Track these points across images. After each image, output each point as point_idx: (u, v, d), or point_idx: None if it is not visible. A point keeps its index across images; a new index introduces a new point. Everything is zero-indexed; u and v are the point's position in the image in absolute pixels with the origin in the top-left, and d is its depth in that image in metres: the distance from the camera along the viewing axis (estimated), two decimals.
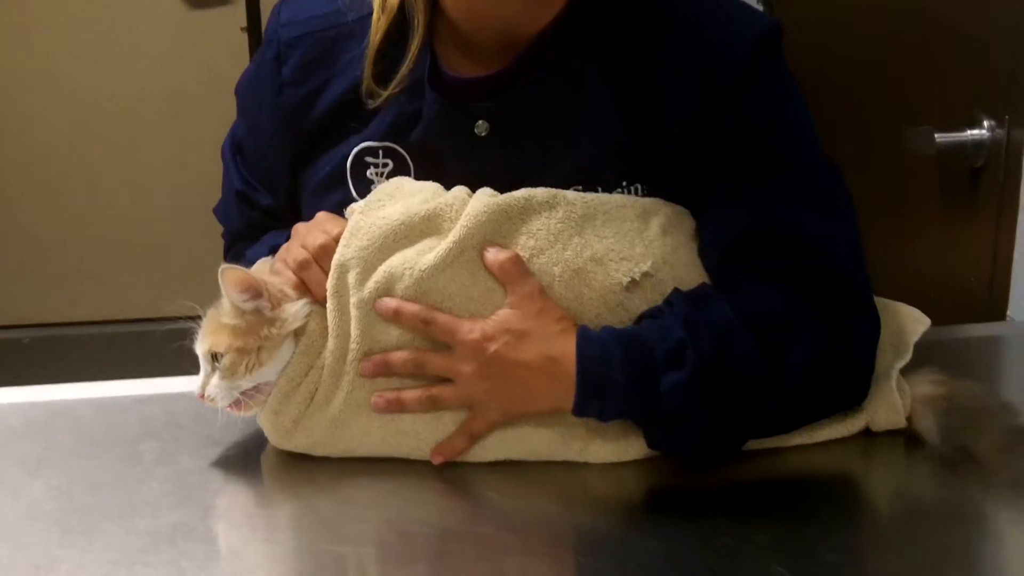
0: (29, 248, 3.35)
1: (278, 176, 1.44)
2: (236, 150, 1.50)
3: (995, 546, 1.13)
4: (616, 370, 1.17)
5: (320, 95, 1.38)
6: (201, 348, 1.25)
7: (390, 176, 1.35)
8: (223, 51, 3.27)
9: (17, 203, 3.32)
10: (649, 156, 1.29)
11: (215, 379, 1.23)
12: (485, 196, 1.25)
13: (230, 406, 1.24)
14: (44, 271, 3.36)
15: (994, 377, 1.55)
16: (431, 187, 1.30)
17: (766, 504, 1.19)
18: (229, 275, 1.22)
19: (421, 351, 1.22)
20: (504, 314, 1.21)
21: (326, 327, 1.25)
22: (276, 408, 1.25)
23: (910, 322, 1.34)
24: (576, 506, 1.21)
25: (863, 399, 1.27)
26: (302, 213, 1.42)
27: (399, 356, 1.22)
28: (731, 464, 1.24)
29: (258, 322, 1.23)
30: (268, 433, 1.28)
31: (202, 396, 1.24)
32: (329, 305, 1.24)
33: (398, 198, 1.28)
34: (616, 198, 1.28)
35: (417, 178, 1.34)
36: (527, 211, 1.24)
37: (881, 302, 1.32)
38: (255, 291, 1.22)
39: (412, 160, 1.35)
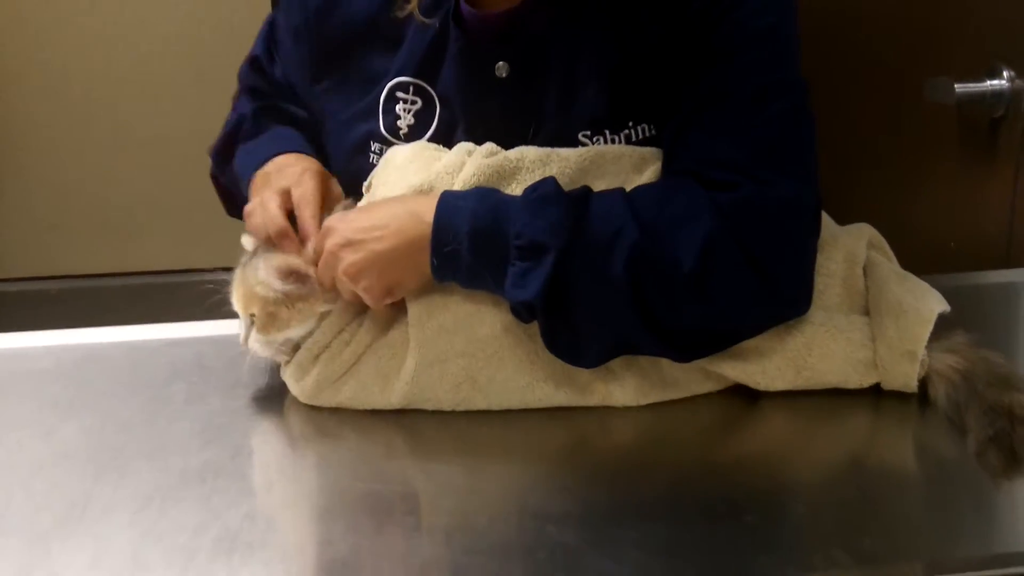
0: (55, 201, 3.37)
1: (296, 69, 1.47)
2: (269, 34, 1.53)
3: (1011, 489, 1.12)
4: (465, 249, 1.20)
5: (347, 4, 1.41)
6: (237, 305, 1.29)
7: (417, 114, 1.37)
8: (245, 2, 3.28)
9: (43, 156, 3.34)
10: (646, 87, 1.30)
11: (254, 333, 1.27)
12: (478, 158, 1.27)
13: (274, 355, 1.29)
14: (71, 223, 3.39)
15: (1013, 322, 1.57)
16: (423, 154, 1.32)
17: (783, 448, 1.22)
18: (278, 262, 1.25)
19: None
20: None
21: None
22: (302, 366, 1.28)
23: (935, 301, 1.30)
24: (596, 446, 1.23)
25: (796, 265, 1.25)
26: (330, 139, 1.45)
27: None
28: (746, 410, 1.26)
29: (292, 294, 1.26)
30: (294, 392, 1.30)
31: (244, 345, 1.29)
32: None
33: (391, 170, 1.32)
34: (614, 149, 1.30)
35: (441, 120, 1.36)
36: (519, 170, 1.26)
37: (906, 276, 1.33)
38: (301, 277, 1.26)
39: (439, 101, 1.36)
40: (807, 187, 1.25)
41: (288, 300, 1.26)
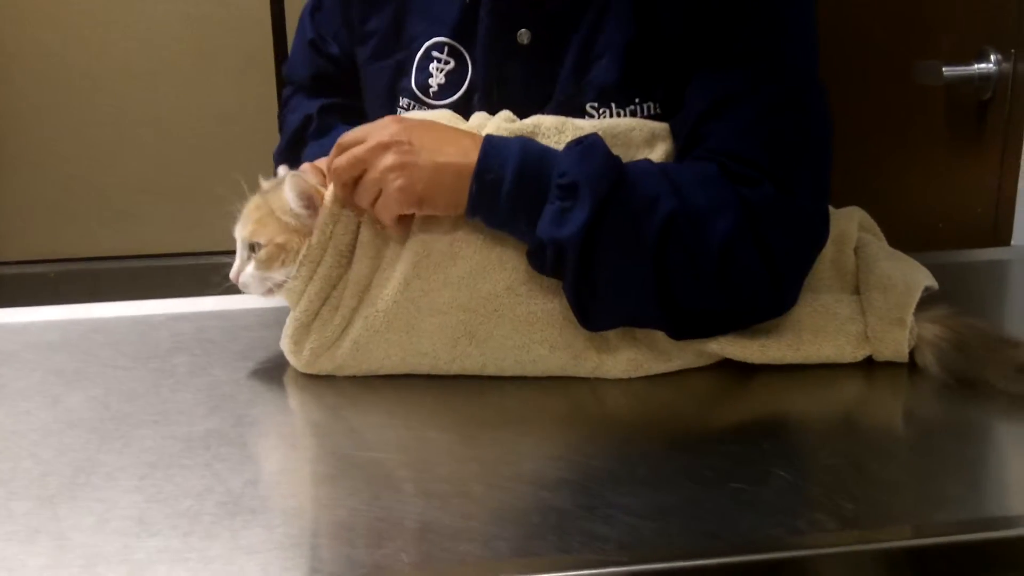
0: (53, 184, 3.38)
1: (348, 31, 1.49)
2: (315, 8, 1.55)
3: (996, 457, 1.17)
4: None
5: None
6: (240, 234, 1.31)
7: (449, 75, 1.39)
8: None
9: (41, 140, 3.35)
10: (658, 67, 1.32)
11: (250, 267, 1.29)
12: (498, 121, 1.30)
13: (262, 294, 1.31)
14: (68, 206, 3.39)
15: (998, 297, 1.60)
16: (445, 115, 1.35)
17: (772, 417, 1.24)
18: (296, 182, 1.27)
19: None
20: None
21: (341, 260, 1.29)
22: (296, 339, 1.30)
23: (922, 276, 1.34)
24: (590, 415, 1.26)
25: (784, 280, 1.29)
26: (366, 92, 1.48)
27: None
28: (738, 380, 1.29)
29: (307, 227, 1.28)
30: (291, 361, 1.33)
31: (235, 281, 1.31)
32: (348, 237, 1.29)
33: None
34: (626, 122, 1.32)
35: (471, 82, 1.38)
36: (535, 136, 1.28)
37: (895, 254, 1.37)
38: (312, 201, 1.28)
39: (471, 64, 1.39)
40: (823, 200, 1.30)
41: (301, 230, 1.28)
